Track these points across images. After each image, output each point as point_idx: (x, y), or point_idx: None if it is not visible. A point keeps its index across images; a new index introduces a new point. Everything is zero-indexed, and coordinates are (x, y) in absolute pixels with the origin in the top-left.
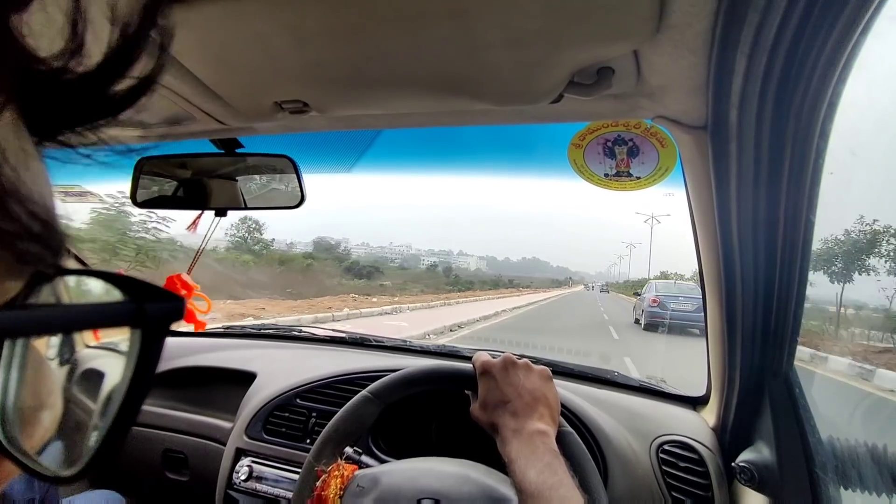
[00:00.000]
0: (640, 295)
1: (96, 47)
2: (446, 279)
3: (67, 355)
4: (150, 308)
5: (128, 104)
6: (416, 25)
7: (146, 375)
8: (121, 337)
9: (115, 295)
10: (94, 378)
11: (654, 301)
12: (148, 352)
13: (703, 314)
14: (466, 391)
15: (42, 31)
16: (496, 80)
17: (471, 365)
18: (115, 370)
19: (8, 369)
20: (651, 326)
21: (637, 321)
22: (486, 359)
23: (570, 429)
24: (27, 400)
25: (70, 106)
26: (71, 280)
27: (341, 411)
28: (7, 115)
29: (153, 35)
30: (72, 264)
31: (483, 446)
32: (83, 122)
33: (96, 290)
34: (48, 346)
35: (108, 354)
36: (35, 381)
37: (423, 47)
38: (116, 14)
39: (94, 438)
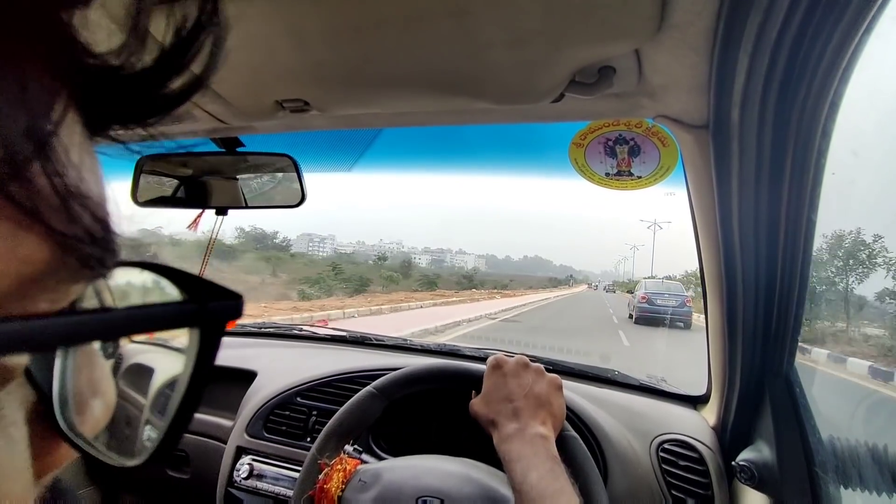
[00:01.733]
0: (632, 293)
1: (152, 44)
2: (403, 275)
3: (112, 350)
4: (212, 307)
5: (182, 101)
6: (417, 25)
7: (205, 372)
8: (173, 334)
9: (170, 290)
10: (142, 373)
11: (643, 298)
12: (207, 350)
13: (685, 309)
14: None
15: (99, 26)
16: (497, 79)
17: (475, 364)
18: (165, 365)
19: (64, 356)
20: (641, 320)
21: (630, 315)
22: (500, 356)
23: (573, 433)
24: (81, 387)
25: (126, 103)
26: (126, 274)
27: (346, 405)
28: (70, 114)
29: (208, 31)
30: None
31: (483, 446)
32: (137, 120)
33: (151, 286)
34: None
35: (156, 350)
36: (87, 368)
37: (424, 47)
38: (172, 10)
39: (148, 432)
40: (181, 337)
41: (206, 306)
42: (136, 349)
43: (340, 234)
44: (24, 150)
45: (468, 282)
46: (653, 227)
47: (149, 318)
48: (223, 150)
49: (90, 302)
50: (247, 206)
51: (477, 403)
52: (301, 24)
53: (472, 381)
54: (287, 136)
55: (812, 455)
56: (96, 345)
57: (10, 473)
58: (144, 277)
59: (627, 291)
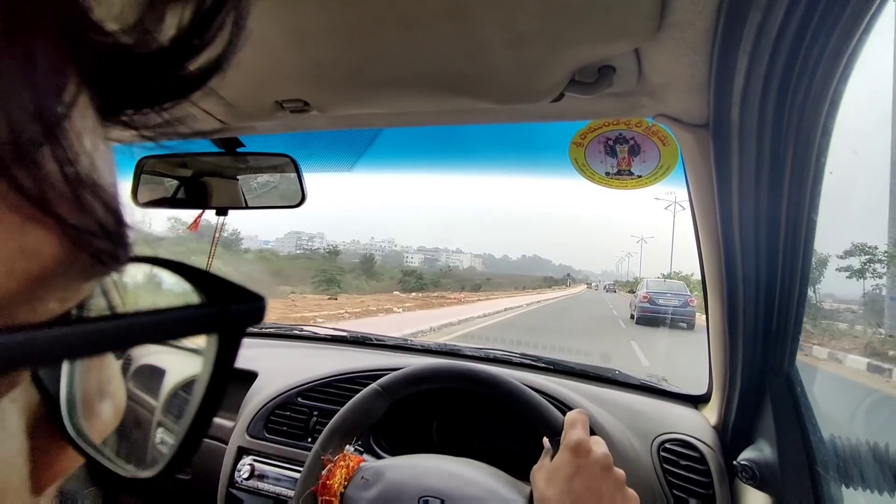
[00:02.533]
0: (634, 293)
1: (169, 22)
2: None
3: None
4: (234, 311)
5: (199, 84)
6: (417, 24)
7: (223, 377)
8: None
9: (187, 290)
10: (151, 374)
11: (645, 297)
12: (226, 354)
13: (688, 309)
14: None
15: (112, 2)
16: (497, 78)
17: (480, 365)
18: (178, 367)
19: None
20: (641, 320)
21: (632, 316)
22: (583, 437)
23: None
24: (90, 389)
25: (140, 85)
26: (140, 272)
27: (350, 403)
28: (83, 97)
29: (229, 9)
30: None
31: (484, 446)
32: (151, 103)
33: (168, 285)
34: None
35: (168, 350)
36: (96, 369)
37: (424, 46)
38: None
39: (162, 438)
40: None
41: (229, 310)
42: (146, 349)
43: (331, 232)
44: (33, 132)
45: (416, 281)
46: (672, 208)
47: (166, 325)
48: (223, 150)
49: (98, 302)
50: (247, 207)
51: (540, 473)
52: (301, 24)
53: (476, 382)
54: (287, 135)
55: (813, 454)
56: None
57: (9, 488)
58: (157, 275)
59: (629, 291)
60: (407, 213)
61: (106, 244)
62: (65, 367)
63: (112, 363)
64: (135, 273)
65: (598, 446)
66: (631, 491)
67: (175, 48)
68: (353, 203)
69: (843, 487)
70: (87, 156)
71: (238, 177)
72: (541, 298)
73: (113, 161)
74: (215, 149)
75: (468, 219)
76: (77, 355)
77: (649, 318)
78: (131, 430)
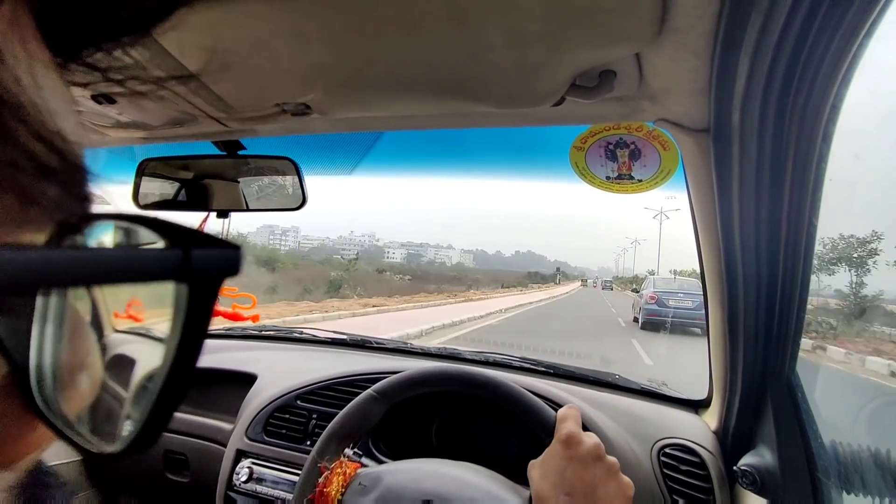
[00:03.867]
0: (638, 292)
1: None
2: None
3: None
4: (199, 256)
5: (158, 19)
6: (418, 28)
7: (196, 338)
8: (154, 320)
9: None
10: (124, 364)
11: (652, 298)
12: (197, 310)
13: (703, 311)
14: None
15: None
16: (498, 82)
17: (476, 368)
18: (149, 354)
19: (43, 323)
20: (648, 325)
21: (636, 319)
22: (573, 429)
23: None
24: (65, 358)
25: (95, 17)
26: (102, 227)
27: (346, 409)
28: (6, 11)
29: None
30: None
31: (483, 450)
32: (110, 38)
33: (137, 240)
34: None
35: (139, 340)
36: (73, 338)
37: (425, 50)
38: None
39: (133, 415)
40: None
41: (191, 254)
42: (119, 339)
43: (307, 227)
44: None
45: (346, 279)
46: (659, 217)
47: (130, 263)
48: (224, 152)
49: None
50: (248, 209)
51: (535, 469)
52: (302, 27)
53: (474, 385)
54: (288, 138)
55: (814, 459)
56: (79, 302)
57: None
58: (127, 231)
59: (633, 290)
60: (401, 210)
61: (46, 186)
62: (34, 335)
63: (90, 335)
64: (100, 230)
65: (590, 437)
66: (626, 478)
67: None
68: (338, 201)
69: (844, 493)
70: (12, 78)
71: (239, 179)
72: (523, 301)
73: (66, 95)
74: (217, 151)
75: (462, 216)
76: (29, 285)
77: (657, 322)
78: (104, 408)
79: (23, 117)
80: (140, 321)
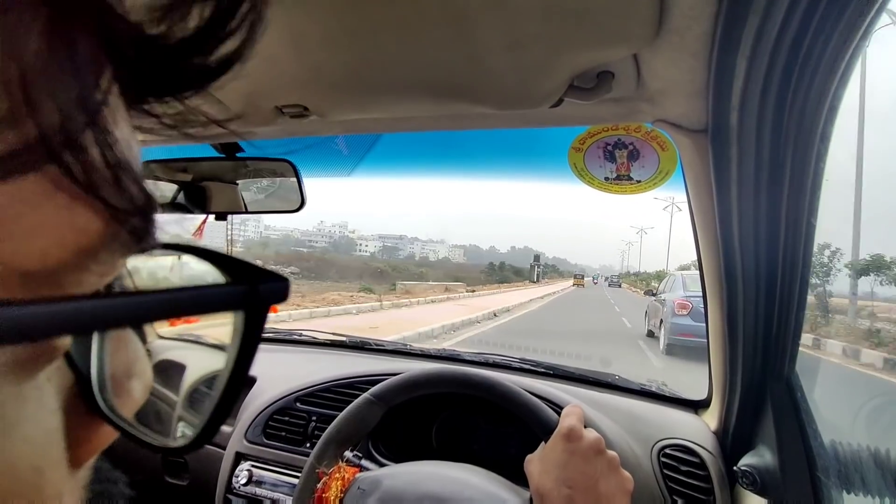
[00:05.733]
0: (654, 294)
1: (193, 13)
2: None
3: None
4: (262, 289)
5: (220, 73)
6: (416, 30)
7: (250, 352)
8: (200, 325)
9: (213, 273)
10: (171, 369)
11: (684, 306)
12: (253, 330)
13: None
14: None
15: None
16: (496, 84)
17: (474, 370)
18: (201, 361)
19: (98, 336)
20: (677, 348)
21: (651, 334)
22: (575, 424)
23: None
24: (118, 368)
25: (164, 74)
26: (168, 257)
27: (344, 413)
28: (116, 87)
29: (249, 3)
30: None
31: (483, 451)
32: (173, 92)
33: (195, 269)
34: None
35: (188, 346)
36: (121, 350)
37: (423, 51)
38: None
39: (189, 414)
40: (217, 329)
41: (256, 288)
42: (163, 345)
43: (270, 217)
44: (78, 119)
45: None
46: (670, 208)
47: (200, 300)
48: (223, 155)
49: (127, 282)
50: (246, 211)
51: (534, 464)
52: (300, 30)
53: (470, 386)
54: (287, 140)
55: (814, 459)
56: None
57: (49, 463)
58: (185, 261)
59: (646, 292)
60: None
61: (140, 222)
62: (94, 348)
63: (138, 344)
64: (163, 257)
65: (590, 432)
66: (626, 473)
67: (198, 38)
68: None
69: (845, 493)
70: (122, 141)
71: (237, 181)
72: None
73: (139, 147)
74: (215, 153)
75: (455, 213)
76: (120, 325)
77: (691, 345)
78: (151, 406)
79: (130, 172)
80: (175, 325)
